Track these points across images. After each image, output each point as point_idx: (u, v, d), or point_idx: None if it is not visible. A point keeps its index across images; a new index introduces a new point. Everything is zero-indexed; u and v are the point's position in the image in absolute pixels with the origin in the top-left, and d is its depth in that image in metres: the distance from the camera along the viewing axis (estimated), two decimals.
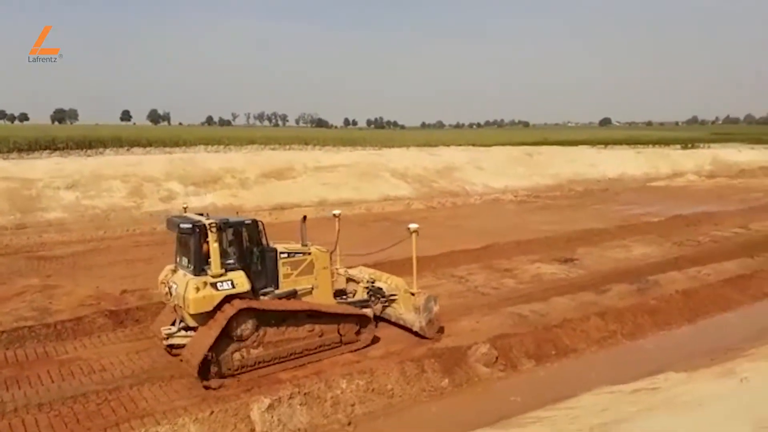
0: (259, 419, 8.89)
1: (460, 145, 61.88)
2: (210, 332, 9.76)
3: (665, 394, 8.45)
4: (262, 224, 10.99)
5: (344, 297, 12.68)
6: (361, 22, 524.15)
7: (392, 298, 12.48)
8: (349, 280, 13.28)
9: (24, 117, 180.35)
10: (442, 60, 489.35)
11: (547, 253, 19.67)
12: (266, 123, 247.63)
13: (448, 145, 59.77)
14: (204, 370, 9.73)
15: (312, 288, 11.34)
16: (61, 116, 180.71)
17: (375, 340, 11.80)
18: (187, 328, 10.72)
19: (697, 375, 9.45)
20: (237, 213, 11.44)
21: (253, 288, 10.46)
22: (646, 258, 19.31)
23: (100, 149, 46.48)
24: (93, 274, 16.84)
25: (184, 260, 10.52)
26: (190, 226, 10.13)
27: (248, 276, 10.37)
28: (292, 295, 11.06)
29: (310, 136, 70.72)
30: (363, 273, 13.20)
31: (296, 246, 11.48)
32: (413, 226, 11.91)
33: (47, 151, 43.72)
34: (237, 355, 10.14)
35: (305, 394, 9.43)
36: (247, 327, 10.13)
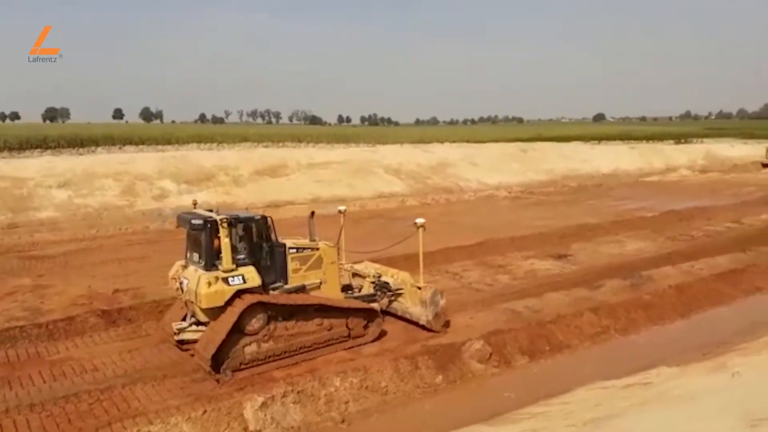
0: (253, 417, 8.86)
1: (454, 141, 62.04)
2: (222, 326, 9.88)
3: (658, 389, 8.46)
4: (271, 220, 11.10)
5: (351, 292, 12.79)
6: (355, 19, 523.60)
7: (399, 292, 12.62)
8: (354, 275, 13.45)
9: (15, 116, 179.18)
10: (437, 57, 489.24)
11: (541, 249, 19.70)
12: (259, 120, 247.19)
13: (442, 142, 59.92)
14: (216, 363, 9.85)
15: (320, 283, 11.47)
16: (52, 115, 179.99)
17: (382, 333, 11.91)
18: (198, 323, 10.86)
19: (690, 369, 9.48)
20: (247, 209, 11.51)
21: (262, 283, 10.56)
22: (640, 253, 19.36)
23: (92, 148, 46.38)
24: (85, 273, 16.74)
25: (195, 256, 10.66)
26: (201, 222, 10.24)
27: (258, 271, 10.50)
28: (301, 289, 11.18)
29: (303, 134, 70.78)
30: (369, 268, 13.37)
31: (305, 241, 11.58)
32: (420, 220, 12.04)
33: (39, 149, 43.60)
34: (248, 349, 10.26)
35: (299, 392, 9.40)
36: (258, 321, 10.25)
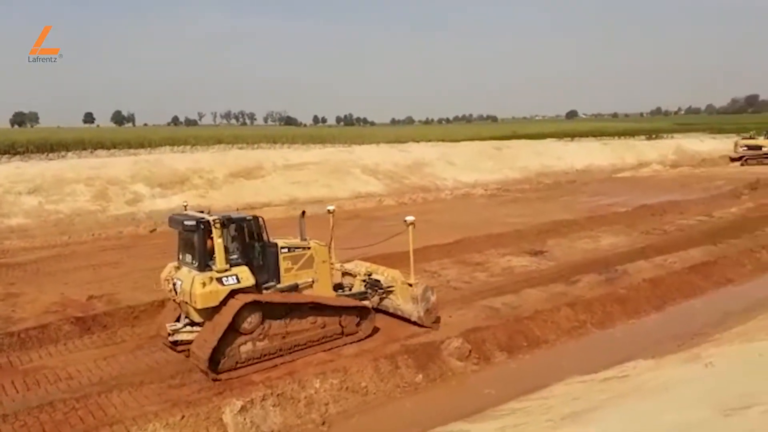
0: (232, 422, 8.79)
1: (430, 140, 62.20)
2: (217, 326, 9.96)
3: (634, 381, 8.59)
4: (263, 220, 11.19)
5: (342, 290, 12.89)
6: (328, 18, 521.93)
7: (389, 289, 12.75)
8: (345, 274, 13.55)
9: None
10: (411, 56, 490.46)
11: (517, 246, 19.86)
12: (233, 122, 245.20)
13: (418, 141, 60.01)
14: (212, 363, 9.89)
15: (312, 281, 11.58)
16: (21, 119, 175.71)
17: (375, 330, 12.03)
18: (192, 324, 10.91)
19: (665, 361, 9.64)
20: (237, 209, 11.61)
21: (256, 282, 10.61)
22: (614, 248, 19.63)
23: (63, 152, 45.54)
24: (58, 280, 16.41)
25: (188, 257, 10.69)
26: (194, 223, 10.27)
27: (251, 271, 10.57)
28: (294, 288, 11.29)
29: (278, 135, 70.32)
30: (359, 267, 13.49)
31: (296, 241, 11.68)
32: (410, 218, 12.29)
33: (7, 155, 42.60)
34: (244, 348, 10.34)
35: (278, 395, 9.35)
36: (253, 320, 10.33)
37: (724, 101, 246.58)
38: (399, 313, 12.68)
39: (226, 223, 10.42)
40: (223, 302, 10.14)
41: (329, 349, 11.27)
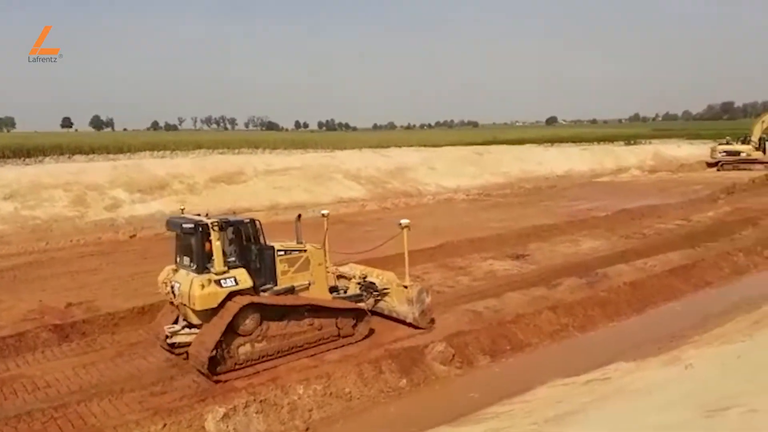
0: (214, 429, 8.70)
1: (412, 145, 62.32)
2: (216, 328, 10.06)
3: (616, 384, 8.67)
4: (260, 223, 11.31)
5: (337, 293, 12.96)
6: (309, 23, 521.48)
7: (385, 291, 12.90)
8: (339, 276, 13.64)
9: None
10: (393, 61, 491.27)
11: (499, 250, 19.97)
12: (214, 127, 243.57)
13: (400, 146, 60.09)
14: (211, 365, 9.97)
15: (309, 284, 11.66)
16: None
17: (370, 332, 12.15)
18: (190, 326, 10.96)
19: (646, 363, 9.74)
20: (234, 213, 11.81)
21: (253, 285, 10.70)
22: (595, 252, 19.83)
23: (40, 158, 44.78)
24: (35, 287, 16.14)
25: (186, 260, 10.79)
26: (192, 225, 10.39)
27: (249, 273, 10.67)
28: (290, 291, 11.35)
29: (260, 140, 69.95)
30: (354, 270, 13.62)
31: (292, 244, 11.78)
32: (404, 221, 12.47)
33: None
34: (242, 350, 10.46)
35: (261, 401, 9.27)
36: (251, 322, 10.46)
37: (701, 108, 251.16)
38: (394, 314, 12.84)
39: (224, 226, 10.56)
40: (222, 304, 10.23)
41: (325, 351, 11.38)
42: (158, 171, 32.04)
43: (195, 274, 10.32)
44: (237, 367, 10.38)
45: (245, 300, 10.31)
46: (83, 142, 56.58)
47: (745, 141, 49.39)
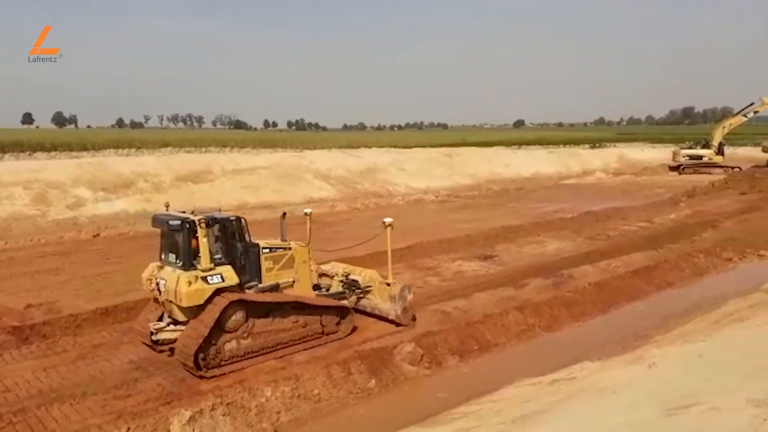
0: None
1: (382, 146, 62.38)
2: (203, 324, 10.12)
3: (582, 383, 8.80)
4: (245, 221, 11.37)
5: (319, 291, 13.02)
6: (279, 20, 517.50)
7: (367, 289, 13.08)
8: (322, 275, 13.70)
9: None
10: (362, 61, 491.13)
11: (467, 251, 20.12)
12: (181, 125, 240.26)
13: (370, 147, 60.08)
14: (197, 361, 10.03)
15: (293, 281, 11.85)
16: None
17: (353, 329, 12.32)
18: (176, 323, 10.99)
19: (610, 363, 9.92)
20: (220, 210, 11.82)
21: (239, 282, 10.78)
22: (560, 253, 20.13)
23: None
24: None
25: (172, 256, 10.83)
26: (179, 222, 10.43)
27: (235, 270, 10.74)
28: (275, 288, 11.52)
29: (227, 138, 69.22)
30: (336, 268, 13.84)
31: (277, 241, 11.93)
32: (388, 220, 12.75)
33: None
34: (228, 346, 10.53)
35: (228, 404, 9.14)
36: (237, 318, 10.53)
37: (663, 112, 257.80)
38: (376, 312, 13.04)
39: (210, 223, 10.59)
40: (208, 301, 10.29)
41: (310, 348, 11.48)
42: (123, 169, 31.39)
43: (181, 271, 10.33)
44: (222, 363, 10.42)
45: (232, 297, 10.38)
46: (45, 139, 55.14)
47: (706, 145, 50.79)
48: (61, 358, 11.29)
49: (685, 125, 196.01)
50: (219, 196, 30.69)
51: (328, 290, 13.21)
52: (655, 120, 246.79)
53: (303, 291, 11.97)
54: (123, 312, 13.42)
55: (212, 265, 10.42)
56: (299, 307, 11.47)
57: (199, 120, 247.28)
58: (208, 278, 10.28)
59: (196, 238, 10.31)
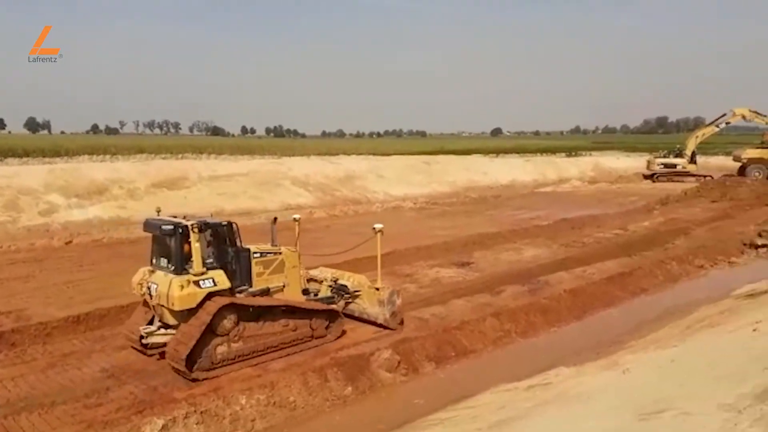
0: None
1: (361, 153, 62.48)
2: (195, 328, 10.20)
3: (557, 389, 8.86)
4: (237, 226, 11.45)
5: (308, 296, 13.03)
6: (257, 26, 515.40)
7: (356, 293, 13.25)
8: (310, 279, 13.73)
9: None
10: (342, 69, 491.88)
11: (445, 258, 20.17)
12: (157, 131, 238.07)
13: (349, 154, 60.13)
14: (189, 364, 10.10)
15: (283, 286, 11.93)
16: None
17: (342, 333, 12.48)
18: (166, 326, 11.06)
19: (585, 369, 10.00)
20: (212, 215, 11.81)
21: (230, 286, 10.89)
22: (536, 260, 20.27)
23: None
24: None
25: (163, 261, 10.85)
26: (172, 227, 10.47)
27: (226, 274, 10.81)
28: (265, 292, 11.58)
29: (204, 145, 68.81)
30: (325, 273, 13.98)
31: (267, 246, 12.01)
32: (378, 225, 12.94)
33: None
34: (219, 349, 10.64)
35: (202, 412, 9.00)
36: (229, 322, 10.66)
37: (638, 122, 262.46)
38: (365, 316, 13.16)
39: (203, 227, 10.68)
40: (200, 304, 10.35)
41: (299, 351, 11.62)
42: (97, 175, 30.94)
43: (173, 275, 10.37)
44: (213, 366, 10.51)
45: (224, 300, 10.49)
46: (17, 145, 54.37)
47: (679, 154, 51.73)
48: (30, 366, 11.05)
49: (659, 134, 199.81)
50: (195, 203, 30.36)
51: (316, 295, 13.28)
52: (630, 129, 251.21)
53: (293, 295, 12.08)
54: (95, 320, 13.19)
55: (204, 270, 10.50)
56: (289, 311, 11.61)
57: (176, 126, 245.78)
58: (200, 282, 10.37)
59: (189, 242, 10.40)
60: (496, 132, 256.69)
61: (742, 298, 13.88)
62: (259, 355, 11.16)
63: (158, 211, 12.02)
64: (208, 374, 10.37)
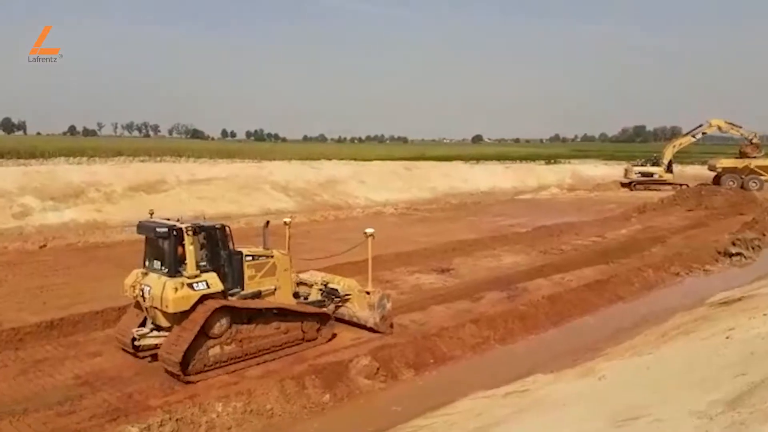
0: None
1: (342, 158, 62.39)
2: (188, 330, 10.28)
3: (534, 396, 8.90)
4: (229, 229, 11.57)
5: (299, 299, 13.11)
6: (237, 29, 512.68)
7: (347, 297, 13.36)
8: (300, 283, 13.76)
9: None
10: (323, 73, 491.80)
11: (425, 264, 20.21)
12: (136, 133, 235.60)
13: (330, 159, 60.00)
14: (182, 366, 10.16)
15: (275, 289, 12.04)
16: None
17: (333, 336, 12.62)
18: (159, 329, 11.11)
19: (562, 375, 10.07)
20: (204, 217, 11.81)
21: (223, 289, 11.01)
22: (515, 266, 20.40)
23: None
24: None
25: (157, 263, 10.95)
26: (166, 229, 10.59)
27: (219, 277, 10.92)
28: (257, 295, 11.70)
29: (184, 148, 68.09)
30: (315, 276, 14.05)
31: (260, 249, 12.09)
32: (369, 230, 13.20)
33: None
34: (212, 352, 10.74)
35: (177, 420, 8.87)
36: (222, 324, 10.75)
37: (616, 130, 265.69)
38: (355, 320, 13.28)
39: (197, 230, 10.78)
40: (194, 307, 10.43)
41: (291, 354, 11.73)
42: (73, 178, 30.53)
43: (167, 278, 10.46)
44: (206, 368, 10.59)
45: (218, 303, 10.59)
46: None
47: (656, 163, 52.57)
48: (2, 373, 10.82)
49: (636, 143, 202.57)
50: (173, 206, 29.99)
51: (306, 298, 13.36)
52: (608, 137, 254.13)
53: (284, 299, 12.16)
54: (69, 325, 12.97)
55: (198, 272, 10.58)
56: (281, 314, 11.71)
57: (155, 128, 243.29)
58: (194, 285, 10.44)
59: (183, 245, 10.45)
60: (477, 139, 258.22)
61: (716, 306, 14.09)
62: (252, 358, 11.22)
63: (151, 214, 12.12)
64: (200, 376, 10.40)
